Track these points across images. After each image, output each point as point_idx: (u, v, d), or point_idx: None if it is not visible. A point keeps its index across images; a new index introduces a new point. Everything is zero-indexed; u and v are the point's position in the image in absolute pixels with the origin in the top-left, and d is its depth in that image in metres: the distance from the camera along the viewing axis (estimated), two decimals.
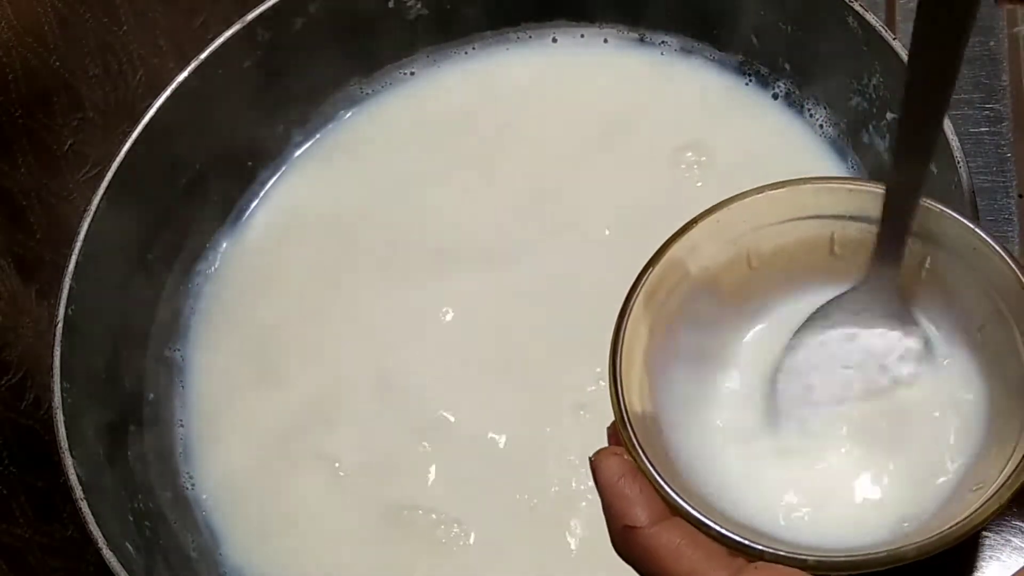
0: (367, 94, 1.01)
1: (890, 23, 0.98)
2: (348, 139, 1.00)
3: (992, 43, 0.94)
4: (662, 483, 0.52)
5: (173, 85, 0.92)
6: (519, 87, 0.99)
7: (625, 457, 0.53)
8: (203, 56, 0.93)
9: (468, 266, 0.92)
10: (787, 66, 0.93)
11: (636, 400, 0.55)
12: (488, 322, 0.90)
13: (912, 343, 0.59)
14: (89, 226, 0.88)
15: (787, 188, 0.59)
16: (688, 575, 0.50)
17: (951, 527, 0.49)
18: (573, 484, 0.83)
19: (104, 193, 0.89)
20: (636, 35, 0.99)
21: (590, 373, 0.84)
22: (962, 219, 0.57)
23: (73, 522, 0.90)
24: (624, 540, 0.52)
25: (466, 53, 1.01)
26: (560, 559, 0.82)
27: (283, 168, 1.01)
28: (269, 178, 1.01)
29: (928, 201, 0.57)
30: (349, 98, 1.02)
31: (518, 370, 0.88)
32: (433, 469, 0.86)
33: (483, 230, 0.93)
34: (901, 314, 0.59)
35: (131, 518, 0.85)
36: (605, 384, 0.56)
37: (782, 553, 0.50)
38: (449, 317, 0.91)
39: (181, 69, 0.93)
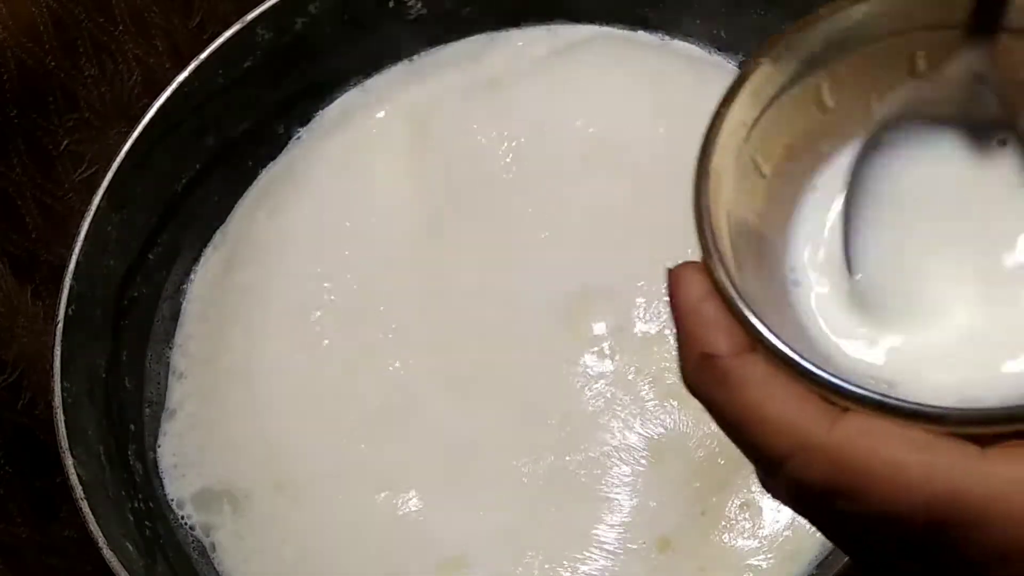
0: (367, 94, 1.01)
1: None
2: (348, 139, 1.00)
3: None
4: (747, 310, 0.45)
5: (174, 85, 0.92)
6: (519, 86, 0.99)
7: (708, 276, 0.46)
8: (203, 56, 0.93)
9: (468, 264, 0.93)
10: None
11: (722, 223, 0.48)
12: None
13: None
14: (89, 226, 0.88)
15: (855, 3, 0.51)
16: (775, 417, 0.43)
17: None
18: None
19: (104, 193, 0.89)
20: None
21: None
22: None
23: (73, 522, 0.90)
24: (700, 369, 0.45)
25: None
26: None
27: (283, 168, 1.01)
28: None
29: None
30: (349, 98, 1.02)
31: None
32: None
33: (483, 229, 0.94)
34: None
35: (131, 518, 0.85)
36: None
37: (901, 403, 0.42)
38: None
39: (177, 69, 0.93)
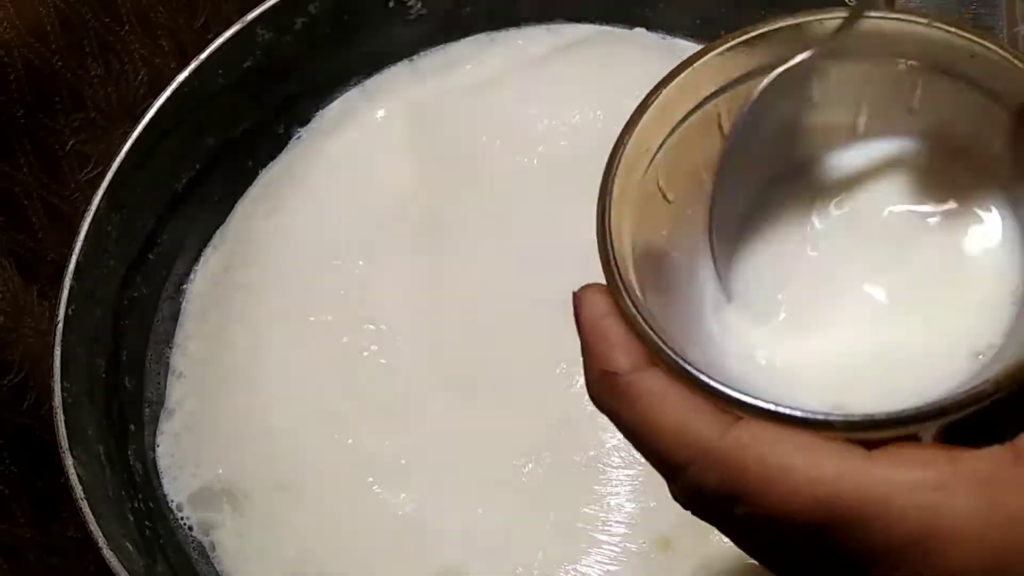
0: (367, 94, 1.01)
1: None
2: (348, 139, 0.99)
3: None
4: (646, 326, 0.47)
5: (174, 85, 0.92)
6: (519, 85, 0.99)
7: (610, 296, 0.48)
8: (203, 56, 0.93)
9: (468, 263, 0.93)
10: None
11: (626, 246, 0.51)
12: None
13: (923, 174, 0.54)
14: (89, 226, 0.88)
15: (749, 35, 0.53)
16: (672, 427, 0.45)
17: None
18: None
19: (104, 193, 0.89)
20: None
21: None
22: (950, 27, 0.51)
23: (73, 522, 0.90)
24: (602, 386, 0.48)
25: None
26: None
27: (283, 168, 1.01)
28: None
29: (906, 14, 0.52)
30: (349, 98, 1.02)
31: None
32: None
33: (484, 227, 0.94)
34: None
35: (131, 518, 0.85)
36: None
37: (789, 412, 0.45)
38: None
39: (182, 69, 0.93)
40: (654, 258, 0.53)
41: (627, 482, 0.84)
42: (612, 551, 0.82)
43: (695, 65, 0.53)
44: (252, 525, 0.87)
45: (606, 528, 0.83)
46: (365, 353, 0.91)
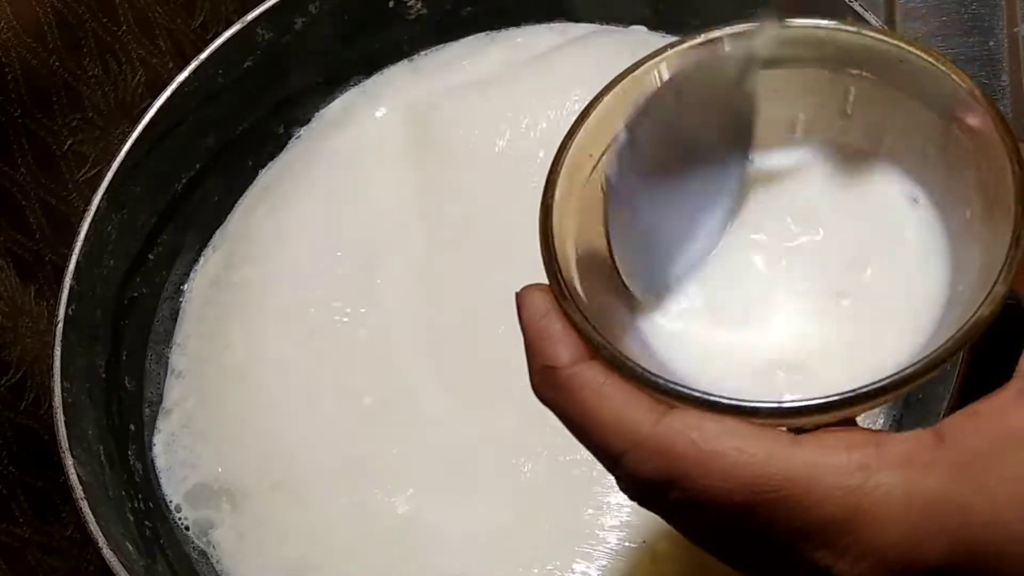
0: (367, 93, 1.01)
1: (890, 23, 0.98)
2: (348, 138, 0.99)
3: (992, 43, 0.94)
4: (582, 321, 0.49)
5: (174, 85, 0.92)
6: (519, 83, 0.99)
7: (551, 295, 0.51)
8: (203, 56, 0.93)
9: (468, 262, 0.93)
10: None
11: (569, 247, 0.53)
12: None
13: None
14: (89, 226, 0.88)
15: (690, 44, 0.58)
16: (610, 418, 0.48)
17: (958, 332, 0.46)
18: None
19: (104, 193, 0.89)
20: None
21: None
22: (879, 34, 0.53)
23: (73, 522, 0.90)
24: (543, 380, 0.50)
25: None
26: None
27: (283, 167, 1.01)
28: None
29: (837, 22, 0.54)
30: (349, 97, 1.02)
31: None
32: None
33: (484, 227, 0.94)
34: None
35: (131, 518, 0.85)
36: None
37: (718, 399, 0.47)
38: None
39: (181, 69, 0.93)
40: (598, 259, 0.55)
41: None
42: (611, 551, 0.82)
43: (636, 72, 0.57)
44: (252, 525, 0.87)
45: (605, 528, 0.83)
46: (364, 352, 0.91)
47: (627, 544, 0.82)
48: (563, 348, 0.49)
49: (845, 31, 0.54)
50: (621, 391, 0.48)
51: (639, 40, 0.98)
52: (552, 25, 1.01)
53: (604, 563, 0.82)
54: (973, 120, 0.51)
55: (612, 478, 0.82)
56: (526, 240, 0.90)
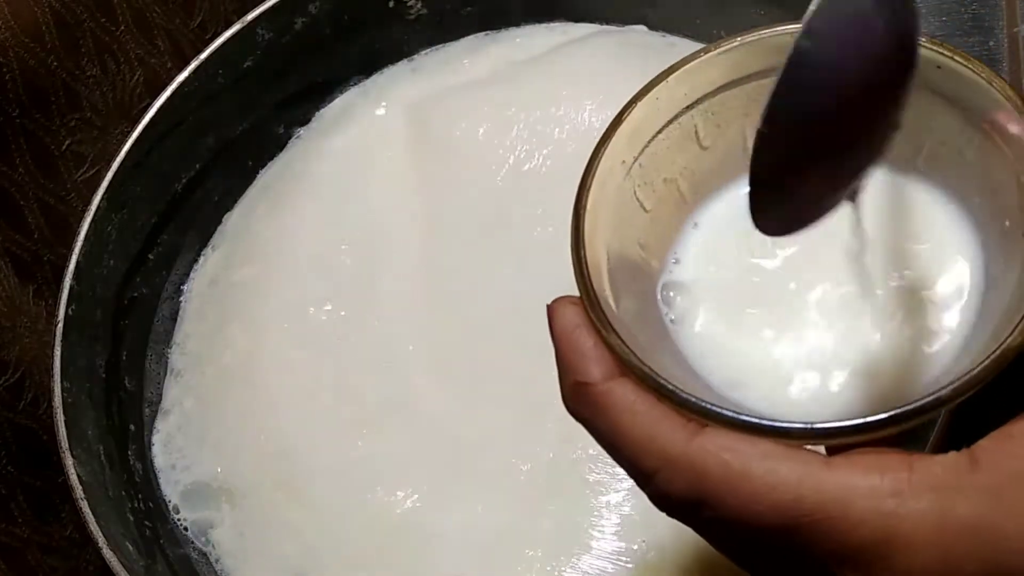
0: (367, 93, 1.01)
1: None
2: (348, 137, 1.00)
3: (992, 43, 0.94)
4: (615, 337, 0.49)
5: (174, 85, 0.93)
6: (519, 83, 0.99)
7: (582, 308, 0.50)
8: (203, 56, 0.93)
9: (468, 261, 0.93)
10: None
11: (600, 255, 0.53)
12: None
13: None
14: (89, 226, 0.88)
15: (725, 48, 0.55)
16: (641, 436, 0.47)
17: (993, 353, 0.45)
18: None
19: (104, 193, 0.89)
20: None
21: None
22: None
23: (73, 522, 0.90)
24: (575, 396, 0.50)
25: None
26: None
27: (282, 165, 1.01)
28: None
29: None
30: (349, 97, 1.02)
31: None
32: None
33: (484, 226, 0.94)
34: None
35: (131, 518, 0.85)
36: None
37: (750, 420, 0.46)
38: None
39: (179, 69, 0.93)
40: (630, 266, 0.55)
41: (625, 482, 0.84)
42: (610, 551, 0.82)
43: (668, 79, 0.55)
44: (251, 524, 0.87)
45: (604, 528, 0.83)
46: (364, 351, 0.91)
47: (627, 544, 0.82)
48: (595, 364, 0.49)
49: None
50: (653, 409, 0.47)
51: (639, 40, 0.98)
52: (552, 25, 1.01)
53: (603, 563, 0.82)
54: (1013, 128, 0.50)
55: (612, 477, 0.83)
56: (526, 239, 0.91)
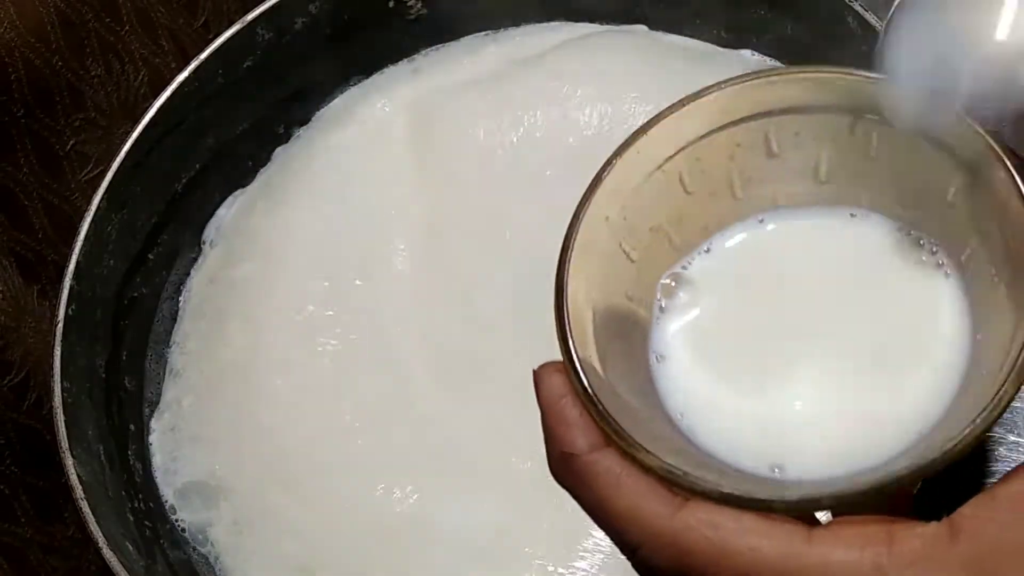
0: (367, 93, 1.01)
1: None
2: (348, 135, 1.00)
3: None
4: (599, 407, 0.48)
5: (174, 85, 0.92)
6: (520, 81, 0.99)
7: (567, 376, 0.50)
8: (203, 56, 0.93)
9: (468, 259, 0.93)
10: (785, 64, 0.93)
11: (586, 314, 0.52)
12: None
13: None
14: (89, 226, 0.88)
15: (707, 96, 0.55)
16: (626, 508, 0.47)
17: (975, 420, 0.45)
18: None
19: (105, 193, 0.89)
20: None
21: None
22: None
23: (74, 522, 0.91)
24: (562, 466, 0.49)
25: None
26: None
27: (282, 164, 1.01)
28: None
29: (858, 72, 0.53)
30: (349, 97, 1.02)
31: None
32: None
33: (484, 225, 0.94)
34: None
35: (131, 518, 0.85)
36: None
37: (731, 493, 0.46)
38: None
39: (182, 69, 0.93)
40: (618, 319, 0.54)
41: None
42: (609, 549, 0.82)
43: (649, 132, 0.54)
44: (250, 523, 0.87)
45: None
46: (364, 350, 0.91)
47: None
48: (580, 435, 0.49)
49: (867, 78, 0.53)
50: (638, 482, 0.47)
51: (639, 40, 0.98)
52: (552, 25, 1.01)
53: (603, 561, 0.82)
54: (994, 177, 0.50)
55: None
56: (526, 238, 0.91)
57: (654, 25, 0.99)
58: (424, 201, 0.95)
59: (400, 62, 1.02)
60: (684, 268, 0.57)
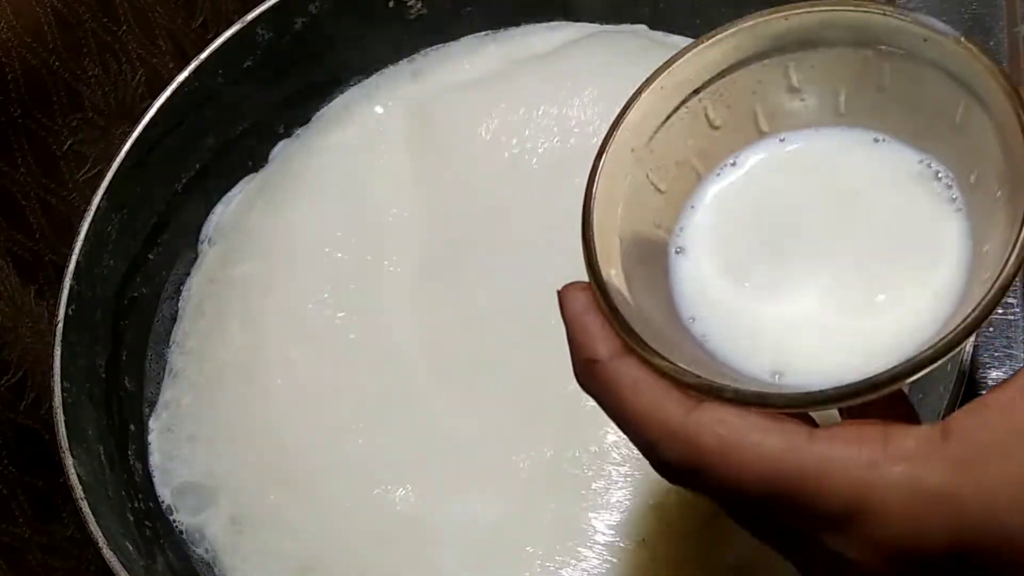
0: (367, 93, 1.01)
1: None
2: (348, 135, 1.00)
3: (992, 43, 0.94)
4: (618, 318, 0.52)
5: (174, 85, 0.93)
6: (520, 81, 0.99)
7: (591, 291, 0.54)
8: (203, 56, 0.93)
9: (468, 258, 0.93)
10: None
11: (612, 240, 0.56)
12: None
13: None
14: (89, 226, 0.88)
15: (724, 35, 0.59)
16: (644, 410, 0.51)
17: (968, 317, 0.48)
18: None
19: (104, 193, 0.89)
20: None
21: None
22: (904, 16, 0.55)
23: (73, 522, 0.90)
24: (585, 373, 0.53)
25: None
26: None
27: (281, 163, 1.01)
28: None
29: (866, 6, 0.56)
30: (349, 96, 1.02)
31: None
32: None
33: (483, 224, 0.94)
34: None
35: (131, 518, 0.85)
36: None
37: (739, 391, 0.50)
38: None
39: (181, 69, 0.93)
40: (645, 246, 0.58)
41: (625, 479, 0.84)
42: (609, 548, 0.82)
43: (672, 67, 0.58)
44: (250, 522, 0.87)
45: (603, 525, 0.83)
46: (363, 349, 0.91)
47: (625, 542, 0.82)
48: (601, 344, 0.52)
49: (873, 12, 0.56)
50: (655, 385, 0.51)
51: (639, 40, 0.98)
52: (552, 25, 1.01)
53: (602, 560, 0.82)
54: (992, 97, 0.53)
55: (610, 476, 0.83)
56: (525, 237, 0.91)
57: (654, 25, 0.99)
58: (424, 201, 0.95)
59: (400, 62, 1.02)
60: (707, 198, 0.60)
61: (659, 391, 0.51)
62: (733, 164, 0.60)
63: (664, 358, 0.51)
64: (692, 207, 0.60)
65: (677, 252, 0.59)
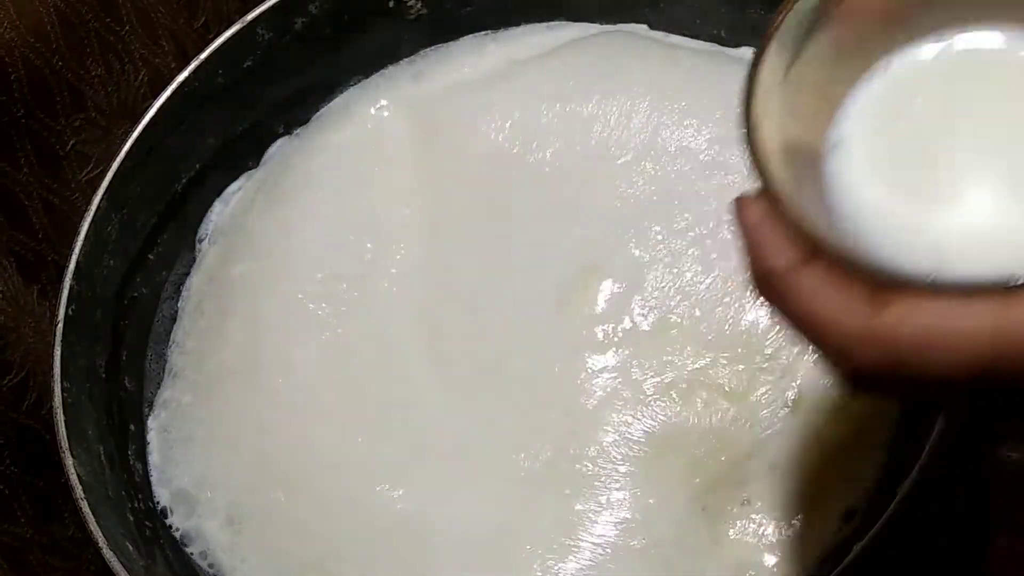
0: (368, 93, 1.01)
1: None
2: (349, 134, 1.00)
3: None
4: (802, 223, 0.51)
5: (174, 85, 0.93)
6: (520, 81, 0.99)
7: (764, 201, 0.53)
8: (203, 56, 0.93)
9: (468, 257, 0.93)
10: None
11: (774, 143, 0.54)
12: None
13: None
14: (89, 226, 0.88)
15: None
16: (828, 315, 0.50)
17: None
18: None
19: (104, 193, 0.89)
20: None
21: None
22: None
23: (74, 522, 0.91)
24: (765, 283, 0.53)
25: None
26: None
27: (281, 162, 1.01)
28: None
29: None
30: (349, 96, 1.01)
31: None
32: None
33: (484, 224, 0.93)
34: None
35: (131, 518, 0.85)
36: None
37: (936, 280, 0.48)
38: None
39: (182, 69, 0.93)
40: (800, 156, 0.56)
41: (626, 479, 0.84)
42: (609, 548, 0.82)
43: None
44: (250, 522, 0.87)
45: (603, 525, 0.83)
46: (363, 348, 0.90)
47: (625, 541, 0.82)
48: (780, 254, 0.52)
49: None
50: (839, 292, 0.50)
51: (639, 40, 0.98)
52: (552, 25, 1.01)
53: (602, 560, 0.82)
54: None
55: (610, 476, 0.83)
56: (527, 237, 0.91)
57: (654, 25, 0.99)
58: (424, 201, 0.95)
59: (400, 62, 1.02)
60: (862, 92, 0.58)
61: (844, 296, 0.50)
62: (886, 69, 0.58)
63: (856, 254, 0.50)
64: (846, 113, 0.58)
65: (832, 155, 0.57)
